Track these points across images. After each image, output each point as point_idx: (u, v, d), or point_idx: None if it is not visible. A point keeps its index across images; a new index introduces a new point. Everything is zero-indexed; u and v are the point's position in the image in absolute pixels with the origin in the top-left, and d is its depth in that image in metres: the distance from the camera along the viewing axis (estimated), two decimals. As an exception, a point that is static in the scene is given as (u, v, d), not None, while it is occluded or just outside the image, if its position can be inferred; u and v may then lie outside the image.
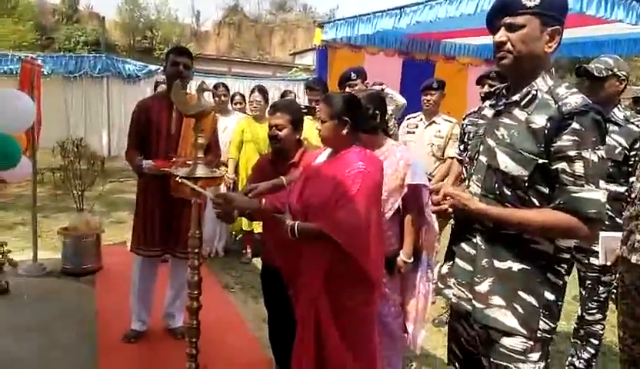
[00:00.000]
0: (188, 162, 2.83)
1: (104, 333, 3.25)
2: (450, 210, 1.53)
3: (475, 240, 1.55)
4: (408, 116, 3.96)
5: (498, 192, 1.49)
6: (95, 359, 2.95)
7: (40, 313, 3.48)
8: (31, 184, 4.63)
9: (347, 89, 3.41)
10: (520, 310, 1.46)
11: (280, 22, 31.07)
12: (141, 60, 17.27)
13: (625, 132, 2.43)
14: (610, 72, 2.50)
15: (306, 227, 1.96)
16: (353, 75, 3.42)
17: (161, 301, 3.31)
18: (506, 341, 1.48)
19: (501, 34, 1.47)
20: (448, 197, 1.53)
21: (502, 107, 1.54)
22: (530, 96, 1.46)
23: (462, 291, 1.59)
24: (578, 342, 2.74)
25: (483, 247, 1.52)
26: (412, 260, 2.36)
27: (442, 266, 1.73)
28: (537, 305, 1.46)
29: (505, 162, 1.46)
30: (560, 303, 1.50)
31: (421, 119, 3.93)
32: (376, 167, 2.04)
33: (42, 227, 5.43)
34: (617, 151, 2.45)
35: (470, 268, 1.56)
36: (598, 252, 2.42)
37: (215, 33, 29.22)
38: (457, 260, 1.63)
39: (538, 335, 1.46)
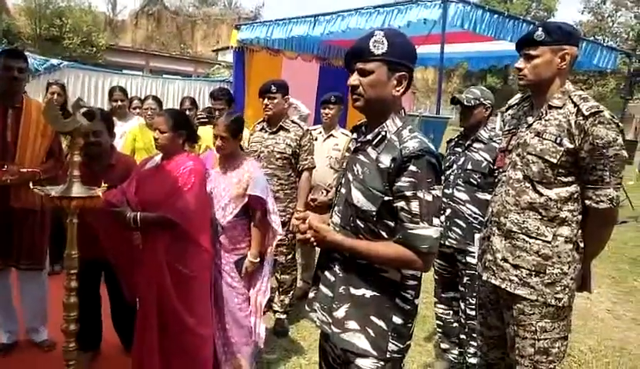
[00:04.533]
0: (22, 170, 2.77)
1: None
2: (312, 239, 1.60)
3: (334, 268, 1.65)
4: (308, 129, 4.03)
5: (353, 224, 1.59)
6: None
7: None
8: None
9: (266, 100, 3.39)
10: (372, 333, 1.57)
11: (203, 16, 30.31)
12: (49, 49, 16.13)
13: (489, 149, 2.78)
14: (477, 102, 2.83)
15: (147, 217, 2.42)
16: (273, 88, 3.36)
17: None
18: (360, 362, 1.59)
19: (354, 78, 1.57)
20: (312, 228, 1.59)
21: (359, 144, 1.64)
22: (380, 136, 1.55)
23: (324, 315, 1.68)
24: (466, 338, 2.94)
25: (341, 275, 1.63)
26: (258, 260, 2.70)
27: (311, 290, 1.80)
28: (386, 328, 1.57)
29: (357, 197, 1.56)
30: (409, 325, 1.63)
31: (320, 132, 4.03)
32: (201, 163, 2.64)
33: None
34: (483, 165, 2.79)
35: (330, 294, 1.66)
36: (474, 252, 2.69)
37: (133, 24, 27.90)
38: (320, 285, 1.72)
39: (388, 356, 1.58)
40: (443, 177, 2.89)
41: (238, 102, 7.36)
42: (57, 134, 2.96)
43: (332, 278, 1.65)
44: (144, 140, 4.06)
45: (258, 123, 3.63)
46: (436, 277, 3.08)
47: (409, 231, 1.47)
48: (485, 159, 2.79)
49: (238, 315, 2.73)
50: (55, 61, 7.97)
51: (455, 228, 2.84)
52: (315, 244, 1.62)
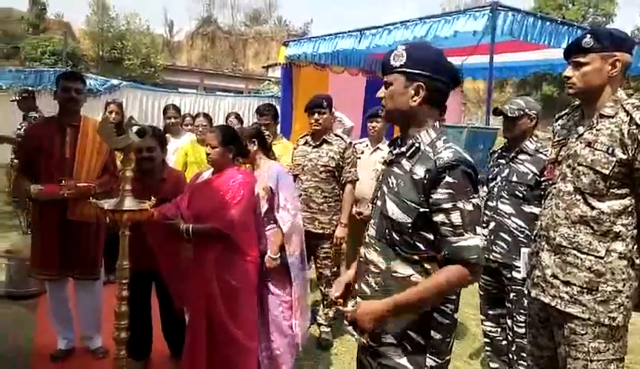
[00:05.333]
0: (78, 184, 2.91)
1: (40, 356, 3.18)
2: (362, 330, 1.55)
3: (371, 281, 1.63)
4: (355, 142, 4.04)
5: (388, 237, 1.57)
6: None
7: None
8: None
9: (316, 115, 3.46)
10: (409, 348, 1.54)
11: (254, 34, 31.15)
12: (111, 71, 17.09)
13: (535, 160, 2.69)
14: (522, 112, 2.74)
15: (199, 228, 2.53)
16: (325, 103, 3.47)
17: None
18: None
19: (381, 91, 1.60)
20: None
21: (394, 156, 1.63)
22: (413, 148, 1.54)
23: None
24: (513, 357, 2.81)
25: (377, 288, 1.60)
26: (278, 255, 2.76)
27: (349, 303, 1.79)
28: (424, 344, 1.54)
29: (392, 209, 1.54)
30: (448, 340, 1.58)
31: (367, 145, 4.03)
32: (251, 177, 2.73)
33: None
34: (529, 177, 2.69)
35: None
36: (519, 267, 2.60)
37: (188, 44, 29.12)
38: (358, 299, 1.69)
39: None
40: (487, 190, 2.82)
41: (286, 117, 7.49)
42: (112, 150, 3.11)
43: (369, 292, 1.63)
44: (195, 155, 4.22)
45: (302, 137, 3.69)
46: (481, 292, 2.97)
47: (455, 245, 1.43)
48: (531, 171, 2.68)
49: (282, 324, 2.78)
50: (114, 82, 8.45)
51: (499, 242, 2.74)
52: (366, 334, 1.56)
